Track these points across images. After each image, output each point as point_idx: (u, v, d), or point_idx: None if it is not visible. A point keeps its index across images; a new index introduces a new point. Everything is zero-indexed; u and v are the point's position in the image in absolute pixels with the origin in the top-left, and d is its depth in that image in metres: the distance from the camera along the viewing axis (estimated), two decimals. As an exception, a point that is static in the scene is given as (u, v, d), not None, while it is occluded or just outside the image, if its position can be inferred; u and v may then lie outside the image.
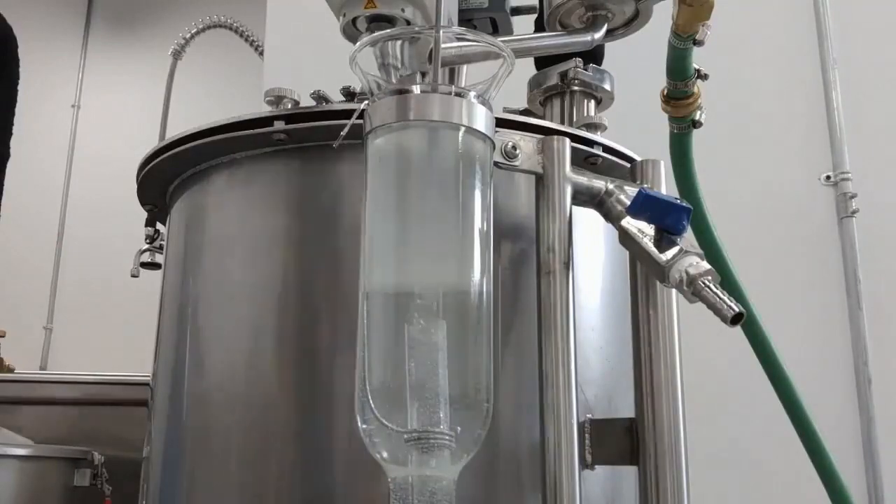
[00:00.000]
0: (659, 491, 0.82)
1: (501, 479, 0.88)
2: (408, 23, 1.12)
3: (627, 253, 0.88)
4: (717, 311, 0.74)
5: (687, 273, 0.76)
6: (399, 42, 1.01)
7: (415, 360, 0.69)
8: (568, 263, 0.85)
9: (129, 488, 1.23)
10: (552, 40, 1.23)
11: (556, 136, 0.88)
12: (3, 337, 2.95)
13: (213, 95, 3.97)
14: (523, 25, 1.38)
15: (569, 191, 0.87)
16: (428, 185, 0.76)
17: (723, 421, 1.95)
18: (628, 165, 0.97)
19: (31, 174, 3.99)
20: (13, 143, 2.10)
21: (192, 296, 1.02)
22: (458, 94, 0.75)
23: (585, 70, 1.24)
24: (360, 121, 0.78)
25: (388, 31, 1.09)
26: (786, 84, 2.26)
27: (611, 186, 0.89)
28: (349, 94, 1.04)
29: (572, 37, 1.22)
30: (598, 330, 0.98)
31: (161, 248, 1.44)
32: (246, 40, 1.81)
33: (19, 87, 2.12)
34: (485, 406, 0.71)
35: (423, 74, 1.04)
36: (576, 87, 1.25)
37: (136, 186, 1.16)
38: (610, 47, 1.34)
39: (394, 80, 0.98)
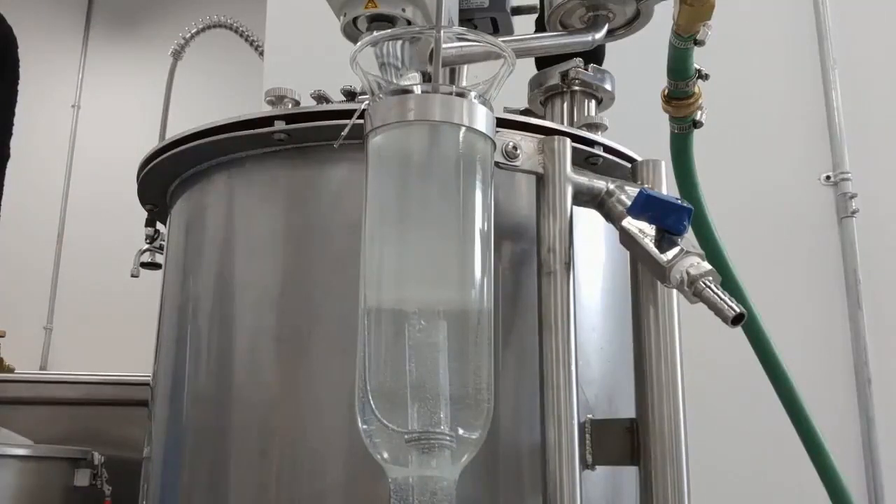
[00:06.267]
0: (659, 491, 0.82)
1: (502, 480, 0.88)
2: (408, 23, 1.12)
3: (628, 253, 0.88)
4: (718, 312, 0.74)
5: (688, 273, 0.76)
6: (400, 42, 1.01)
7: (415, 360, 0.69)
8: (569, 263, 0.85)
9: (129, 488, 1.23)
10: (553, 40, 1.23)
11: (556, 137, 0.88)
12: (3, 337, 2.95)
13: (214, 95, 3.97)
14: (524, 25, 1.38)
15: (569, 191, 0.87)
16: (428, 185, 0.76)
17: (723, 421, 1.95)
18: (629, 165, 0.97)
19: (31, 174, 3.99)
20: (13, 143, 2.10)
21: (192, 296, 1.02)
22: (459, 95, 0.75)
23: (586, 70, 1.24)
24: (361, 121, 0.78)
25: (389, 31, 1.09)
26: (786, 84, 2.26)
27: (611, 187, 0.89)
28: (349, 94, 1.03)
29: (573, 37, 1.22)
30: (599, 330, 0.98)
31: (161, 248, 1.44)
32: (246, 40, 1.81)
33: (19, 87, 2.12)
34: (485, 406, 0.71)
35: (424, 74, 1.04)
36: (576, 87, 1.25)
37: (136, 186, 1.16)
38: (611, 47, 1.34)
39: (394, 80, 0.97)
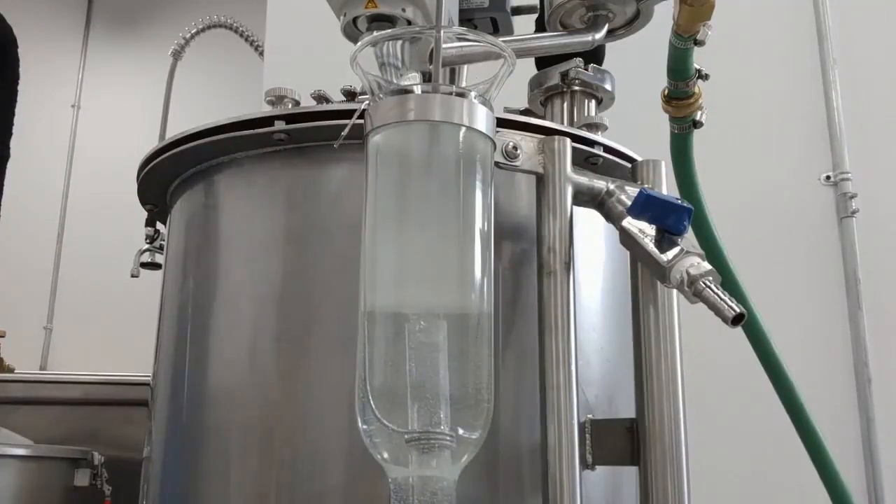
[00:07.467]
0: (659, 491, 0.82)
1: (502, 480, 0.88)
2: (408, 22, 1.12)
3: (628, 253, 0.88)
4: (718, 312, 0.74)
5: (688, 273, 0.76)
6: (400, 42, 1.01)
7: (415, 360, 0.69)
8: (569, 264, 0.85)
9: (129, 488, 1.23)
10: (553, 40, 1.23)
11: (556, 137, 0.88)
12: (3, 337, 2.95)
13: (214, 95, 3.97)
14: (524, 25, 1.38)
15: (569, 191, 0.87)
16: (429, 185, 0.76)
17: (723, 421, 1.95)
18: (629, 165, 0.97)
19: (31, 174, 3.99)
20: (13, 143, 2.10)
21: (192, 296, 1.02)
22: (460, 95, 0.75)
23: (586, 70, 1.24)
24: (361, 121, 0.78)
25: (389, 31, 1.09)
26: (786, 84, 2.25)
27: (612, 187, 0.89)
28: (349, 94, 1.03)
29: (573, 37, 1.22)
30: (599, 330, 0.98)
31: (161, 248, 1.44)
32: (246, 40, 1.81)
33: (19, 87, 2.12)
34: (485, 406, 0.71)
35: (424, 74, 1.04)
36: (577, 87, 1.25)
37: (136, 186, 1.16)
38: (611, 47, 1.34)
39: (394, 80, 0.97)
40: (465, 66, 1.26)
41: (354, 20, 1.14)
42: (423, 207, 0.75)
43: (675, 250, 0.79)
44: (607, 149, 1.01)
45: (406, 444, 0.68)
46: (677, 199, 0.83)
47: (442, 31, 0.79)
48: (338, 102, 1.02)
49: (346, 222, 0.92)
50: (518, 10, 1.41)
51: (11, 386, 2.38)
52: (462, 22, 1.30)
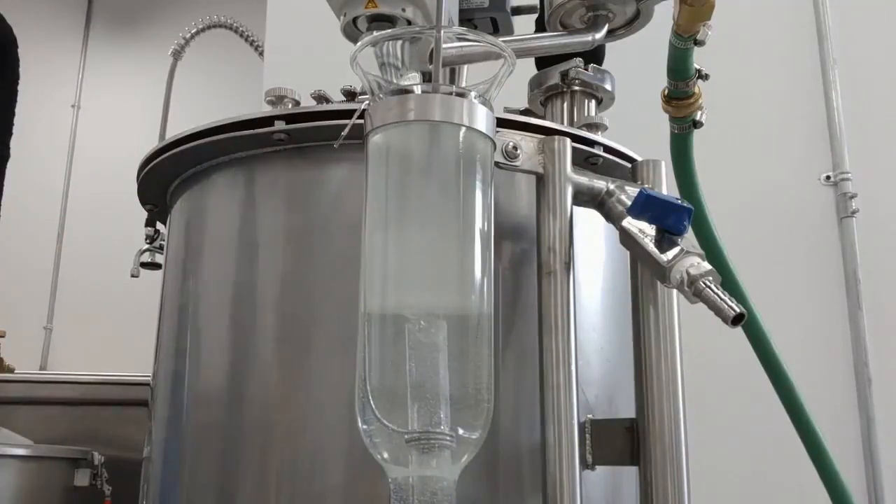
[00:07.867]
0: (659, 491, 0.82)
1: (502, 480, 0.88)
2: (408, 22, 1.12)
3: (628, 253, 0.88)
4: (718, 312, 0.74)
5: (688, 273, 0.76)
6: (400, 42, 1.01)
7: (415, 360, 0.69)
8: (569, 264, 0.85)
9: (129, 488, 1.23)
10: (553, 40, 1.23)
11: (556, 137, 0.88)
12: (3, 337, 2.95)
13: (214, 95, 3.97)
14: (524, 25, 1.38)
15: (569, 191, 0.87)
16: (429, 185, 0.76)
17: (723, 421, 1.95)
18: (629, 165, 0.97)
19: (31, 174, 3.99)
20: (13, 143, 2.10)
21: (192, 296, 1.02)
22: (459, 94, 0.75)
23: (586, 70, 1.24)
24: (361, 121, 0.78)
25: (389, 31, 1.09)
26: (786, 84, 2.26)
27: (612, 187, 0.89)
28: (349, 94, 1.03)
29: (573, 37, 1.22)
30: (599, 330, 0.98)
31: (161, 248, 1.44)
32: (246, 40, 1.82)
33: (19, 87, 2.12)
34: (485, 406, 0.71)
35: (424, 74, 1.04)
36: (577, 87, 1.25)
37: (136, 186, 1.16)
38: (611, 47, 1.34)
39: (394, 80, 0.98)
40: (465, 66, 1.26)
41: (354, 20, 1.14)
42: (423, 207, 0.75)
43: (675, 250, 0.79)
44: (607, 149, 1.01)
45: (406, 444, 0.68)
46: (677, 199, 0.83)
47: (442, 31, 0.79)
48: (338, 102, 1.02)
49: (346, 222, 0.92)
50: (518, 10, 1.41)
51: (11, 386, 2.38)
52: (462, 22, 1.30)
